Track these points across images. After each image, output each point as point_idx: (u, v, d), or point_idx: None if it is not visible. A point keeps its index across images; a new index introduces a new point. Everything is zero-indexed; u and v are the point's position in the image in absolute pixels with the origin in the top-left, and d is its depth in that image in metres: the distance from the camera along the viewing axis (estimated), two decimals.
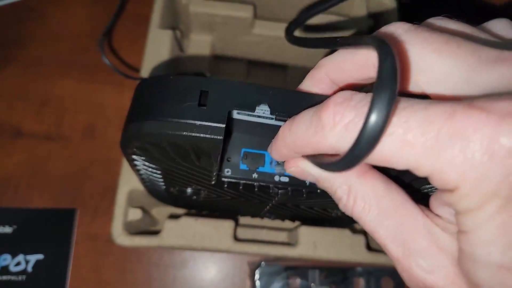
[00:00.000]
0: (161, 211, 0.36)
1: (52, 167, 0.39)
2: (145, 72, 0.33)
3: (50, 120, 0.41)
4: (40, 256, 0.37)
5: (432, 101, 0.11)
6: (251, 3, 0.37)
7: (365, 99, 0.12)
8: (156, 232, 0.30)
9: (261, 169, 0.22)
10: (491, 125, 0.10)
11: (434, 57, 0.13)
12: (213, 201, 0.28)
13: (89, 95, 0.42)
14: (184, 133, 0.16)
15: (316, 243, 0.29)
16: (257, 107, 0.17)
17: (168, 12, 0.38)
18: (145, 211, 0.31)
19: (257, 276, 0.35)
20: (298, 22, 0.26)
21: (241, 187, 0.22)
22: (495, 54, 0.12)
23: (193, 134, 0.16)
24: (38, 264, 0.37)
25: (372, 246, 0.31)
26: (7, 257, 0.37)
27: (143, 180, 0.25)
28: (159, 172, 0.23)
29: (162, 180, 0.24)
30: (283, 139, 0.15)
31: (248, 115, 0.19)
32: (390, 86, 0.11)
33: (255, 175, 0.22)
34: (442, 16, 0.15)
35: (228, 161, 0.22)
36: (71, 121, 0.41)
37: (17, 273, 0.36)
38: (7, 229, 0.38)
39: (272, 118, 0.18)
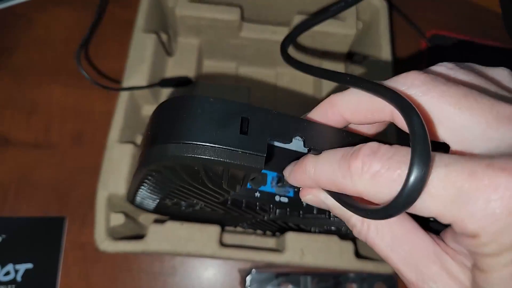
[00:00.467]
0: (148, 216, 0.36)
1: (41, 175, 0.39)
2: (128, 77, 0.33)
3: (38, 127, 0.41)
4: (29, 265, 0.37)
5: (453, 157, 0.12)
6: (238, 5, 0.37)
7: (390, 151, 0.13)
8: (141, 237, 0.29)
9: (263, 188, 0.23)
10: (511, 185, 0.11)
11: (453, 111, 0.14)
12: (201, 213, 0.27)
13: (77, 102, 0.42)
14: (227, 160, 0.16)
15: (303, 250, 0.28)
16: (293, 139, 0.17)
17: (154, 16, 0.37)
18: (128, 216, 0.31)
19: (247, 283, 0.34)
20: (291, 38, 0.26)
21: (243, 205, 0.22)
22: (510, 111, 0.13)
23: (235, 162, 0.16)
24: (27, 273, 0.36)
25: (361, 253, 0.30)
26: None
27: (134, 193, 0.25)
28: (166, 190, 0.22)
29: (159, 195, 0.24)
30: (306, 172, 0.16)
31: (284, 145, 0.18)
32: (425, 147, 0.12)
33: (257, 194, 0.22)
34: (446, 63, 0.16)
35: None
36: (59, 129, 0.41)
37: (6, 283, 0.36)
38: None
39: (304, 151, 0.17)
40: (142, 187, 0.22)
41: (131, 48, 0.34)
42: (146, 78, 0.32)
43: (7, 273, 0.37)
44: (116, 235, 0.30)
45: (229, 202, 0.23)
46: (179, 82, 0.38)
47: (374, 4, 0.37)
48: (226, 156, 0.16)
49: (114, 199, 0.30)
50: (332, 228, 0.26)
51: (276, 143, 0.17)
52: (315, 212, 0.23)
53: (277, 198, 0.23)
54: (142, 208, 0.29)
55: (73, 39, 0.44)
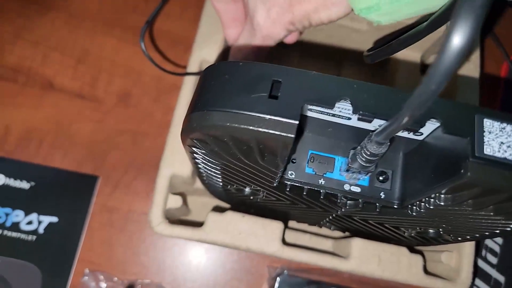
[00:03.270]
0: (195, 200, 0.34)
1: (80, 129, 0.37)
2: (197, 48, 0.30)
3: (85, 78, 0.39)
4: (54, 219, 0.35)
5: None
6: None
7: None
8: (193, 223, 0.27)
9: (329, 174, 0.20)
10: None
11: None
12: (269, 204, 0.25)
13: (128, 59, 0.39)
14: (251, 127, 0.14)
15: (370, 258, 0.26)
16: (337, 103, 0.15)
17: None
18: (184, 198, 0.29)
19: (277, 284, 0.32)
20: (381, 53, 0.23)
21: (304, 193, 0.20)
22: None
23: (261, 130, 0.14)
24: (50, 227, 0.35)
25: (429, 269, 0.28)
26: (20, 213, 0.35)
27: (199, 173, 0.23)
28: (218, 167, 0.20)
29: (220, 176, 0.22)
30: None
31: (324, 112, 0.16)
32: None
33: (321, 181, 0.20)
34: None
35: (293, 162, 0.20)
36: (106, 83, 0.39)
37: (27, 232, 0.35)
38: (24, 185, 0.36)
39: (350, 118, 0.15)
40: (197, 161, 0.20)
41: (203, 16, 0.31)
42: (217, 51, 0.30)
43: (30, 222, 0.35)
44: (169, 217, 0.28)
45: (287, 189, 0.20)
46: None
47: None
48: (250, 122, 0.14)
49: (176, 179, 0.28)
50: (430, 231, 0.22)
51: (319, 115, 0.15)
52: (396, 206, 0.19)
53: (346, 186, 0.20)
54: (212, 193, 0.27)
55: None
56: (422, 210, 0.18)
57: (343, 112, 0.16)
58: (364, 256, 0.26)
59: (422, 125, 0.15)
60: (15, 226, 0.35)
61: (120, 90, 0.38)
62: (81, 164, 0.36)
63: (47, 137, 0.37)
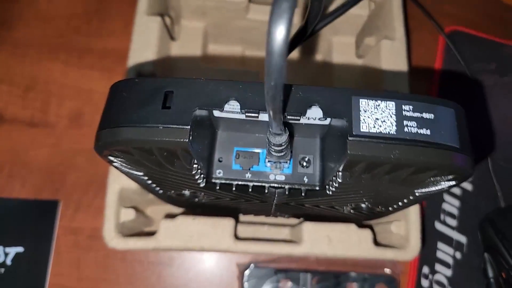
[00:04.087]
0: (156, 210, 0.34)
1: (35, 155, 0.37)
2: (132, 63, 0.31)
3: (35, 105, 0.39)
4: (20, 249, 0.35)
5: None
6: None
7: None
8: (151, 233, 0.28)
9: (255, 168, 0.21)
10: None
11: None
12: (217, 202, 0.26)
13: (77, 80, 0.40)
14: (149, 138, 0.16)
15: (320, 240, 0.27)
16: (226, 104, 0.16)
17: None
18: (138, 210, 0.29)
19: (246, 278, 0.33)
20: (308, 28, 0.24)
21: (233, 189, 0.21)
22: None
23: (158, 139, 0.15)
24: (17, 257, 0.35)
25: (379, 241, 0.29)
26: None
27: (139, 183, 0.24)
28: (144, 177, 0.21)
29: (154, 184, 0.22)
30: None
31: (235, 112, 0.17)
32: None
33: (248, 175, 0.21)
34: None
35: (220, 161, 0.21)
36: (57, 107, 0.39)
37: None
38: None
39: (242, 113, 0.16)
40: (124, 171, 0.21)
41: (134, 31, 0.32)
42: (151, 65, 0.31)
43: None
44: (125, 230, 0.28)
45: (217, 187, 0.21)
46: None
47: None
48: (146, 134, 0.16)
49: (126, 192, 0.28)
50: (362, 205, 0.23)
51: (230, 114, 0.17)
52: (317, 188, 0.20)
53: (271, 176, 0.21)
54: (163, 200, 0.28)
55: (76, 15, 0.42)
56: (334, 189, 0.19)
57: (235, 109, 0.17)
58: (314, 238, 0.27)
59: (303, 113, 0.16)
60: None
61: (71, 112, 0.39)
62: (41, 190, 0.36)
63: (4, 168, 0.37)
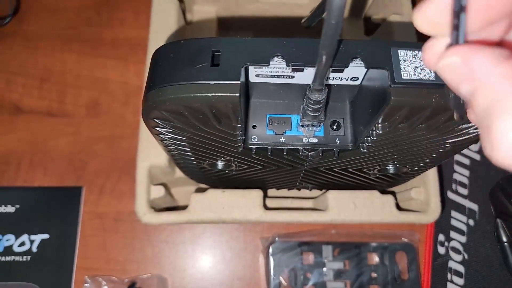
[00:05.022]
0: (179, 190, 0.35)
1: (55, 144, 0.38)
2: (152, 45, 0.32)
3: (52, 96, 0.39)
4: (45, 236, 0.36)
5: None
6: None
7: None
8: (181, 209, 0.29)
9: (288, 132, 0.22)
10: None
11: None
12: (246, 175, 0.27)
13: (91, 70, 0.41)
14: (199, 94, 0.16)
15: (346, 206, 0.28)
16: (271, 61, 0.17)
17: None
18: (166, 188, 0.30)
19: (271, 251, 0.34)
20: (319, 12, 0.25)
21: (269, 153, 0.22)
22: None
23: (209, 94, 0.16)
24: (43, 244, 0.36)
25: (403, 207, 0.30)
26: (11, 237, 0.36)
27: (173, 156, 0.24)
28: (185, 143, 0.22)
29: (190, 153, 0.23)
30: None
31: (270, 75, 0.18)
32: None
33: (282, 139, 0.22)
34: None
35: (254, 128, 0.22)
36: (74, 97, 0.40)
37: (21, 254, 0.35)
38: (10, 209, 0.36)
39: (293, 76, 0.17)
40: (165, 142, 0.22)
41: (152, 15, 0.33)
42: None
43: (22, 244, 0.36)
44: (155, 207, 0.29)
45: (253, 152, 0.22)
46: None
47: None
48: (198, 90, 0.16)
49: (155, 170, 0.29)
50: (389, 167, 0.24)
51: (264, 79, 0.17)
52: (350, 148, 0.22)
53: (305, 140, 0.22)
54: (191, 177, 0.29)
55: (87, 6, 0.43)
56: (369, 144, 0.20)
57: (283, 69, 0.18)
58: (340, 205, 0.28)
59: (347, 65, 0.17)
60: (8, 250, 0.35)
61: (88, 101, 0.39)
62: (63, 178, 0.37)
63: (24, 158, 0.37)
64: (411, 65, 0.16)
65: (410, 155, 0.22)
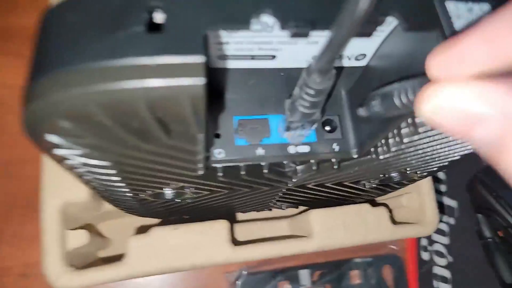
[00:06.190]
0: (111, 225, 0.26)
1: None
2: None
3: None
4: None
5: None
6: None
7: None
8: (116, 258, 0.20)
9: (266, 140, 0.15)
10: None
11: None
12: (206, 202, 0.19)
13: None
14: (129, 84, 0.09)
15: (333, 229, 0.22)
16: (253, 20, 0.10)
17: None
18: (91, 230, 0.21)
19: None
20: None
21: (243, 173, 0.14)
22: None
23: (147, 85, 0.09)
24: None
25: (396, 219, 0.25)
26: None
27: (95, 189, 0.16)
28: (111, 171, 0.13)
29: (122, 184, 0.15)
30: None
31: (241, 56, 0.12)
32: None
33: (259, 151, 0.15)
34: None
35: (217, 137, 0.15)
36: None
37: None
38: None
39: (274, 56, 0.11)
40: (78, 170, 0.13)
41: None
42: None
43: None
44: (76, 261, 0.20)
45: (220, 174, 0.15)
46: None
47: None
48: (125, 75, 0.09)
49: (71, 209, 0.20)
50: (394, 175, 0.18)
51: (230, 55, 0.11)
52: (356, 156, 0.15)
53: (291, 149, 0.15)
54: (128, 211, 0.20)
55: None
56: (391, 148, 0.14)
57: (273, 27, 0.11)
58: (326, 228, 0.22)
59: (378, 23, 0.11)
60: None
61: None
62: None
63: None
64: (468, 25, 0.11)
65: (431, 156, 0.16)
